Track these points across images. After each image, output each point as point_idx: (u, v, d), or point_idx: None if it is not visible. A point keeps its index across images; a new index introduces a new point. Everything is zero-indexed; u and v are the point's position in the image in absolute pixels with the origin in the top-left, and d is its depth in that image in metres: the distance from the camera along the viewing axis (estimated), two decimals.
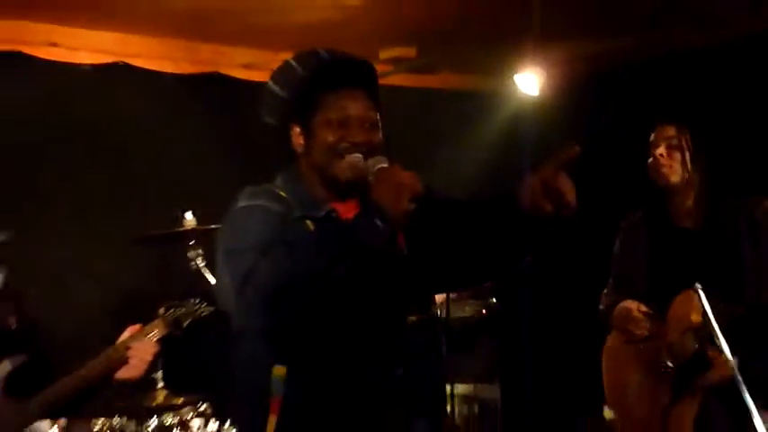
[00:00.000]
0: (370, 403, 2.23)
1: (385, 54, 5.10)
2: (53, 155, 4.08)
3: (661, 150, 3.36)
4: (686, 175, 3.36)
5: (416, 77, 5.52)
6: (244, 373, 2.34)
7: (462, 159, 5.57)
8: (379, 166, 2.17)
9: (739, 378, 2.51)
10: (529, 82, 5.07)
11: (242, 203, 2.27)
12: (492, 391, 4.99)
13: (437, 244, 2.28)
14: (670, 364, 3.32)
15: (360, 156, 2.21)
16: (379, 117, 2.30)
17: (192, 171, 4.25)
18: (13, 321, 2.76)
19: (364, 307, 2.15)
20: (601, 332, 3.63)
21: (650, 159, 3.42)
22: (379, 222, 2.08)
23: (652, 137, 3.43)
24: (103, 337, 2.77)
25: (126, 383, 2.79)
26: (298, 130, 2.28)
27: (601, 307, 3.62)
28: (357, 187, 2.21)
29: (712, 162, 3.39)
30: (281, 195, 2.28)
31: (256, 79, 4.48)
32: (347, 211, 2.25)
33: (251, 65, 4.73)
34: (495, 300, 4.32)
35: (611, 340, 3.58)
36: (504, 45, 4.96)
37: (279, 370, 2.20)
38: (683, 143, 3.38)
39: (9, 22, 4.08)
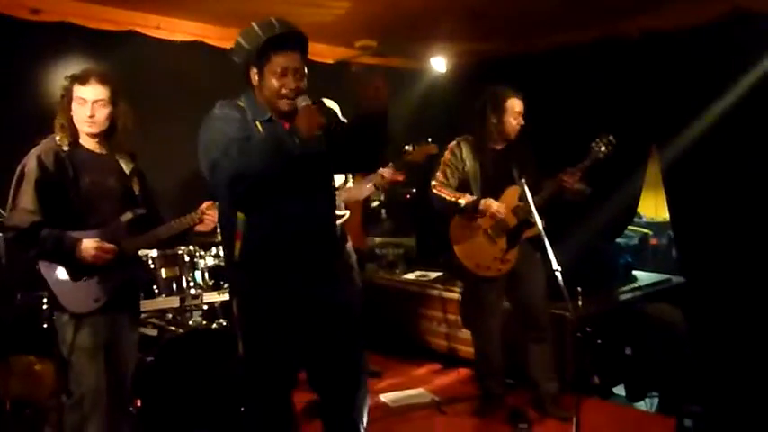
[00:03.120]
0: (290, 233, 2.28)
1: (358, 43, 5.02)
2: (155, 94, 3.98)
3: (518, 117, 3.40)
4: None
5: (376, 59, 5.36)
6: (222, 217, 2.43)
7: (400, 108, 5.34)
8: (303, 104, 2.21)
9: (543, 232, 2.78)
10: (439, 64, 5.11)
11: (214, 111, 2.29)
12: (410, 241, 5.26)
13: (335, 148, 2.32)
14: (509, 225, 3.44)
15: (292, 101, 2.24)
16: (306, 69, 2.28)
17: None
18: (138, 189, 2.79)
19: (286, 180, 2.20)
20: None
21: (506, 116, 3.39)
22: (296, 140, 2.18)
23: (508, 102, 3.39)
24: (192, 205, 2.87)
25: (201, 233, 2.96)
26: (254, 70, 2.28)
27: (451, 198, 3.47)
28: (290, 116, 2.27)
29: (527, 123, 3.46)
30: (240, 106, 2.30)
31: None
32: (283, 124, 2.30)
33: None
34: (415, 190, 4.46)
35: (458, 220, 3.56)
36: (426, 41, 4.89)
37: (240, 215, 2.27)
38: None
39: (129, 11, 4.03)
